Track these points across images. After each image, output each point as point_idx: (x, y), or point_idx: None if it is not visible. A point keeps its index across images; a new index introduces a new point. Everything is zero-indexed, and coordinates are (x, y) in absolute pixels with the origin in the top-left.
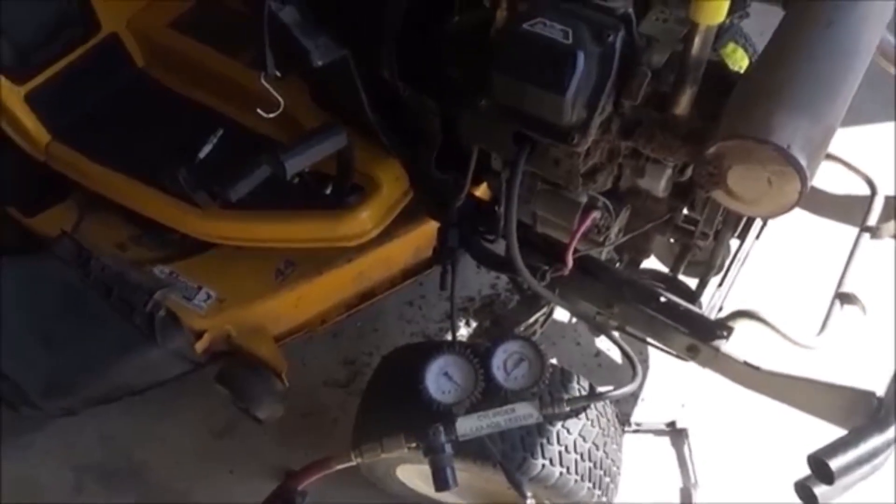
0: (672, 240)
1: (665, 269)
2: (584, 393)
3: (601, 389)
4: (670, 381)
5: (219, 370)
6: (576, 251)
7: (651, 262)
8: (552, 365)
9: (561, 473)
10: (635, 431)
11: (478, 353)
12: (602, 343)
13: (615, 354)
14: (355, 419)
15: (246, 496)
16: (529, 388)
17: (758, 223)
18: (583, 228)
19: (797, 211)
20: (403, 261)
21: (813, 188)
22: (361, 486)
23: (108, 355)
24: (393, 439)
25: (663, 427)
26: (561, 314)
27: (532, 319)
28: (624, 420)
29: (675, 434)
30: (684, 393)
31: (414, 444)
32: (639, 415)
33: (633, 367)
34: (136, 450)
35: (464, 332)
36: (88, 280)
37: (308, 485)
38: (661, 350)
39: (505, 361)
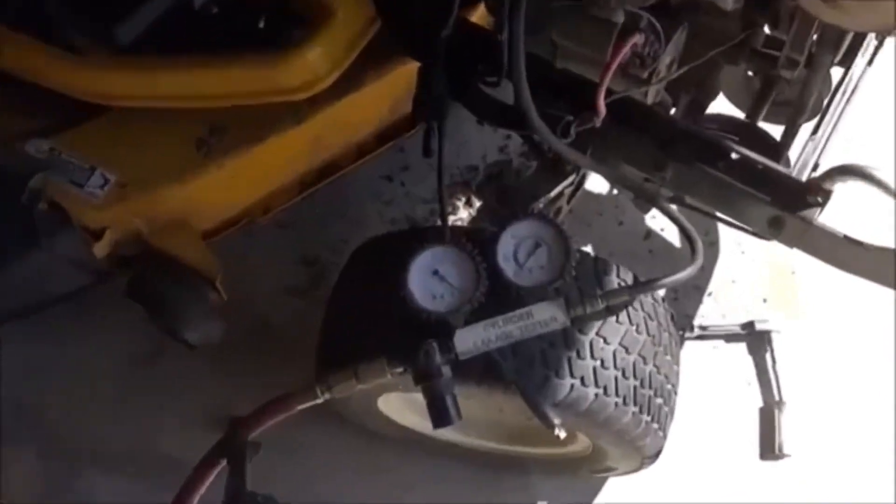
0: (748, 72)
1: (739, 115)
2: (625, 286)
3: (648, 280)
4: (745, 269)
5: (129, 280)
6: (611, 93)
7: (719, 106)
8: (581, 252)
9: (597, 395)
10: (699, 337)
11: (478, 242)
12: (653, 221)
13: (671, 235)
14: (318, 339)
15: (178, 448)
16: (549, 283)
17: (869, 43)
18: (619, 59)
19: None
20: (375, 119)
21: None
22: (333, 424)
23: None
24: (371, 364)
25: (737, 330)
26: (596, 184)
27: (555, 192)
28: (684, 324)
29: (754, 338)
30: (764, 284)
31: (400, 369)
32: (704, 315)
33: (693, 247)
34: (36, 387)
35: (463, 214)
36: None
37: (261, 432)
38: (733, 226)
39: (515, 250)
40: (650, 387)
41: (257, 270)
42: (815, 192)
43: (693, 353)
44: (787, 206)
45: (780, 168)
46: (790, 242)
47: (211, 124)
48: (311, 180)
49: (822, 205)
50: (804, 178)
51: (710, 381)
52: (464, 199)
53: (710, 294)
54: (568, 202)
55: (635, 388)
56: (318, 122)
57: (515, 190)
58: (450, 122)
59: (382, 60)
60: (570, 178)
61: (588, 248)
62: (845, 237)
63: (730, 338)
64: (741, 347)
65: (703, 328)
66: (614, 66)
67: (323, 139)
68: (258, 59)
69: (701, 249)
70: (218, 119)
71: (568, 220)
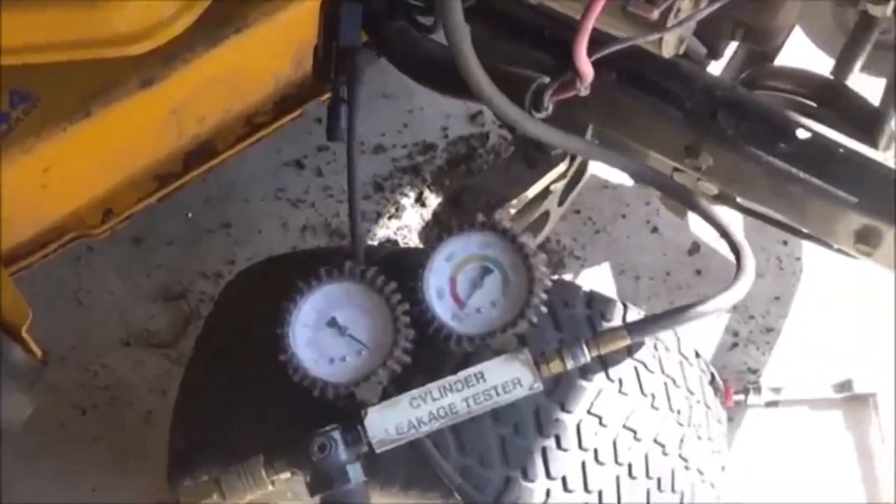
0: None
1: (821, 69)
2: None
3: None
4: (843, 301)
5: None
6: (600, 41)
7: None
8: (559, 281)
9: None
10: (770, 404)
11: (397, 270)
12: (702, 228)
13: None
14: (171, 423)
15: None
16: (506, 328)
17: None
18: None
19: None
20: (269, 78)
21: None
22: None
23: None
24: (243, 468)
25: (830, 393)
26: (614, 172)
27: (536, 190)
28: (746, 383)
29: (854, 404)
30: (870, 322)
31: (286, 474)
32: (779, 370)
33: (739, 261)
34: None
35: (412, 219)
36: None
37: None
38: (808, 238)
39: (452, 279)
40: (674, 490)
41: (95, 311)
42: None
43: (759, 428)
44: (882, 212)
45: (871, 153)
46: (890, 264)
47: (13, 91)
48: (175, 172)
49: None
50: None
51: (780, 470)
52: (413, 196)
53: (788, 337)
54: (560, 203)
55: (649, 492)
56: (177, 84)
57: (475, 188)
58: (381, 78)
59: None
60: (559, 168)
61: (600, 270)
62: None
63: (816, 404)
64: (834, 418)
65: (775, 390)
66: (601, 1)
67: (187, 109)
68: None
69: (752, 266)
70: (22, 84)
71: (567, 228)
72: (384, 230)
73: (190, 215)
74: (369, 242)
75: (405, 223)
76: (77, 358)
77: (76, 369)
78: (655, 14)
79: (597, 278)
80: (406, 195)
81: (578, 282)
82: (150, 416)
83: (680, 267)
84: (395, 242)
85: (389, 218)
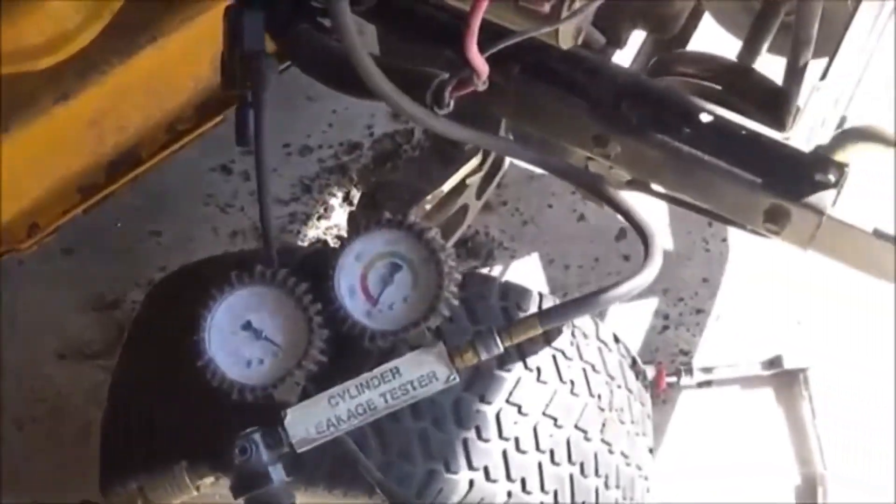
0: None
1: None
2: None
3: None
4: (769, 279)
5: None
6: (501, 35)
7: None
8: (470, 273)
9: (510, 494)
10: (702, 384)
11: (311, 271)
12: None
13: (661, 233)
14: (101, 433)
15: None
16: (417, 323)
17: None
18: None
19: None
20: (189, 84)
21: None
22: None
23: None
24: (166, 473)
25: (758, 370)
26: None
27: (451, 184)
28: (679, 365)
29: (784, 380)
30: (796, 299)
31: (209, 478)
32: (710, 350)
33: (645, 243)
34: None
35: (340, 218)
36: None
37: None
38: (723, 221)
39: (363, 277)
40: (598, 474)
41: (28, 324)
42: (826, 167)
43: (693, 408)
44: (787, 191)
45: (773, 134)
46: (799, 241)
47: None
48: (98, 182)
49: (838, 185)
50: (809, 147)
51: (715, 448)
52: (341, 195)
53: (717, 318)
54: (478, 196)
55: (572, 477)
56: (94, 96)
57: (390, 185)
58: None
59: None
60: (473, 162)
61: (530, 260)
62: (876, 232)
63: (747, 382)
64: (765, 395)
65: (706, 370)
66: None
67: (107, 120)
68: None
69: (658, 248)
70: None
71: (495, 220)
72: (314, 230)
73: (119, 225)
74: (299, 244)
75: (334, 223)
76: (12, 373)
77: (12, 384)
78: (546, 7)
79: (527, 269)
80: (334, 195)
81: (509, 273)
82: (88, 427)
83: (608, 253)
84: (325, 242)
85: (318, 219)
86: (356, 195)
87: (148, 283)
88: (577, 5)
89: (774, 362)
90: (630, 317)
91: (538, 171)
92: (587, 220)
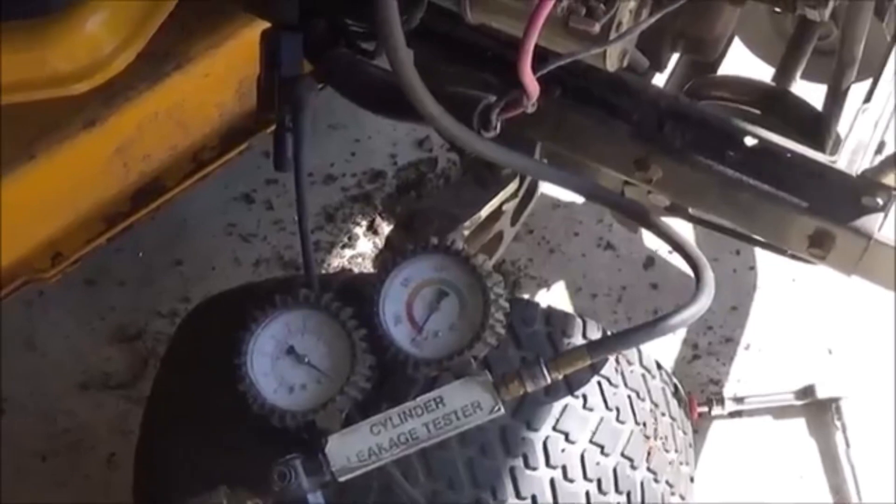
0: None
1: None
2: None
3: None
4: (801, 306)
5: None
6: (545, 57)
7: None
8: (516, 300)
9: None
10: (734, 414)
11: (353, 296)
12: (657, 242)
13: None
14: (135, 462)
15: None
16: (462, 351)
17: None
18: (548, 7)
19: None
20: (215, 112)
21: None
22: None
23: None
24: (205, 501)
25: (790, 399)
26: (558, 192)
27: (488, 210)
28: (710, 395)
29: (817, 410)
30: (829, 327)
31: (248, 501)
32: (741, 380)
33: (697, 275)
34: None
35: (365, 247)
36: None
37: None
38: (764, 247)
39: (409, 304)
40: (644, 503)
41: (50, 355)
42: (873, 190)
43: (724, 439)
44: (833, 215)
45: (820, 157)
46: (844, 266)
47: None
48: (123, 211)
49: (885, 209)
50: (855, 170)
51: (747, 479)
52: (365, 224)
53: (747, 347)
54: (513, 222)
55: None
56: (120, 123)
57: (427, 211)
58: (328, 108)
59: (216, 23)
60: (511, 188)
61: (556, 289)
62: None
63: (779, 412)
64: (798, 425)
65: (738, 399)
66: (541, 19)
67: (132, 148)
68: (8, 34)
69: (710, 280)
70: None
71: (521, 249)
72: (338, 259)
73: (141, 255)
74: (324, 272)
75: (359, 251)
76: (35, 404)
77: (34, 416)
78: (597, 28)
79: (553, 297)
80: (358, 224)
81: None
82: (113, 458)
83: (636, 282)
84: (350, 271)
85: (342, 247)
86: (381, 224)
87: (171, 313)
88: (624, 27)
89: (807, 392)
90: (659, 346)
91: (564, 198)
92: (615, 249)
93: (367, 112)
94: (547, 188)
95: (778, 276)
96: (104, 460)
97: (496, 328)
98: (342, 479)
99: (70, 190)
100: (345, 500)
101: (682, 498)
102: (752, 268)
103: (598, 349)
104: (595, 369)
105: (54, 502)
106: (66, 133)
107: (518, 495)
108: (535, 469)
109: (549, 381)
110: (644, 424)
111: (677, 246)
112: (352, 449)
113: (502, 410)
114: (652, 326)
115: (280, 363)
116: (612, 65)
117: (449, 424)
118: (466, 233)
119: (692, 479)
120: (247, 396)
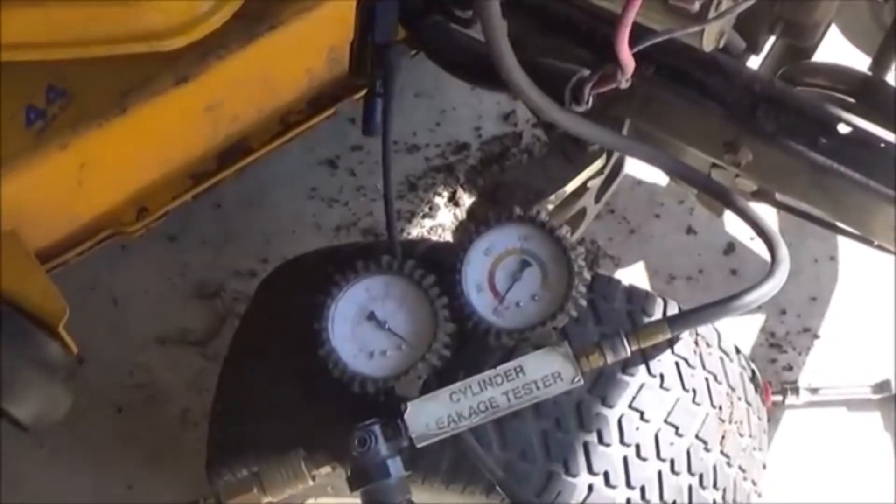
0: None
1: (860, 62)
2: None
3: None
4: (881, 298)
5: None
6: (640, 34)
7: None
8: (598, 275)
9: (629, 501)
10: (809, 404)
11: (437, 264)
12: (737, 227)
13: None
14: (210, 420)
15: None
16: (545, 321)
17: None
18: None
19: None
20: (303, 76)
21: None
22: None
23: None
24: (282, 463)
25: (867, 392)
26: (648, 170)
27: (573, 186)
28: (784, 384)
29: (892, 404)
30: None
31: (326, 468)
32: (816, 370)
33: (773, 254)
34: None
35: (446, 218)
36: None
37: None
38: (850, 236)
39: (491, 274)
40: (716, 486)
41: (130, 309)
42: None
43: (797, 428)
44: None
45: None
46: None
47: (49, 86)
48: (210, 169)
49: None
50: None
51: (818, 470)
52: (447, 195)
53: (824, 338)
54: (597, 200)
55: (691, 488)
56: (212, 81)
57: (512, 183)
58: (414, 77)
59: None
60: (597, 164)
61: (634, 270)
62: None
63: (854, 405)
64: (872, 419)
65: (813, 390)
66: None
67: (222, 107)
68: None
69: (785, 257)
70: (58, 79)
71: (600, 228)
72: (418, 229)
73: (223, 213)
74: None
75: (439, 222)
76: (112, 356)
77: (112, 368)
78: (696, 6)
79: (631, 278)
80: (439, 194)
81: None
82: (186, 414)
83: (715, 267)
84: (431, 240)
85: (423, 217)
86: (462, 196)
87: (249, 273)
88: (724, 6)
89: (883, 386)
90: (737, 332)
91: (646, 179)
92: (695, 233)
93: (454, 82)
94: (628, 168)
95: (859, 268)
96: (178, 416)
97: (578, 300)
98: (420, 445)
99: (159, 146)
100: (418, 466)
101: (755, 483)
102: (834, 258)
103: (678, 323)
104: (673, 349)
105: (125, 455)
106: (157, 88)
107: (590, 470)
108: (608, 445)
109: (628, 353)
110: (720, 408)
111: (755, 225)
112: (431, 416)
113: (582, 381)
114: (730, 302)
115: (361, 328)
116: (709, 44)
117: (528, 394)
118: (550, 207)
119: (764, 466)
120: (327, 361)
